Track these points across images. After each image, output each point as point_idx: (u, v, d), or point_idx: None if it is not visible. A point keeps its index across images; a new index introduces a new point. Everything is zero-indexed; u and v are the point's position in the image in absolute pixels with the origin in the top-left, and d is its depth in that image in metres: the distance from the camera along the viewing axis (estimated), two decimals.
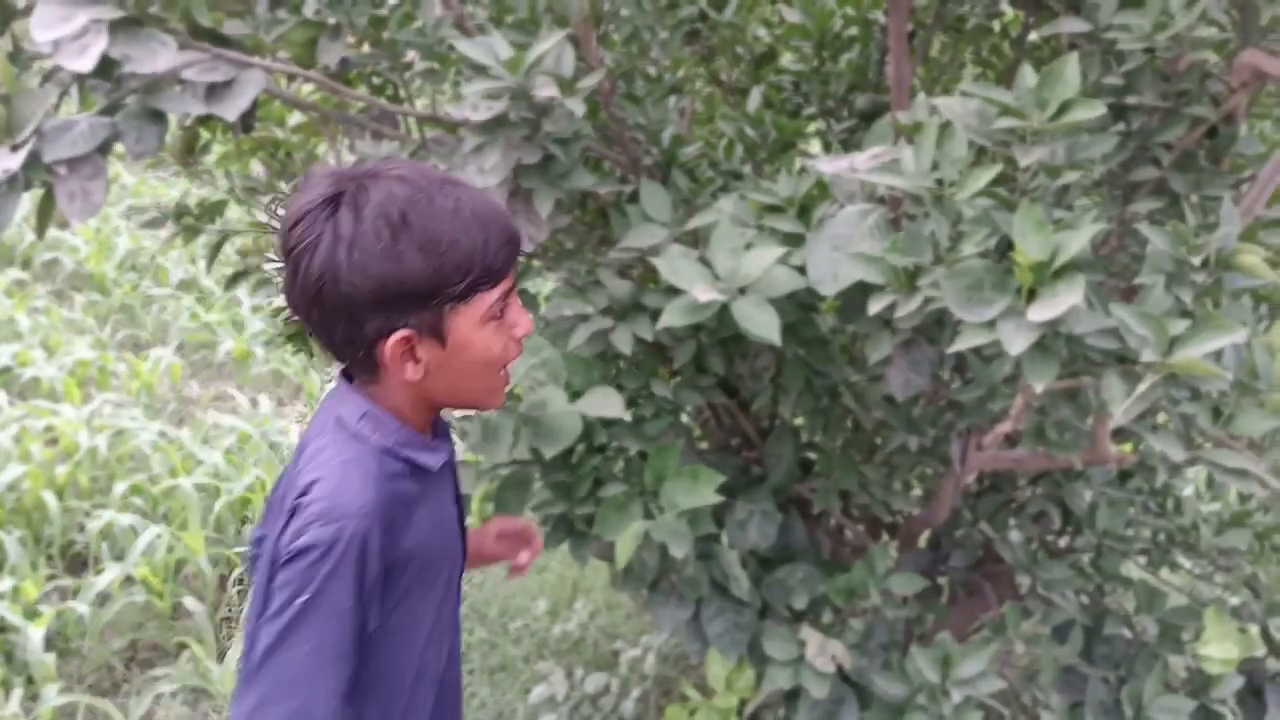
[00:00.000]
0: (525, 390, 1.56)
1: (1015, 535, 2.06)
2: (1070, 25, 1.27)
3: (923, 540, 2.31)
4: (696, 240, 1.75)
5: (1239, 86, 1.32)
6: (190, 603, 3.04)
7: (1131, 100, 1.28)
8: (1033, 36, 2.05)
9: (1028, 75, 1.02)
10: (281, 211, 1.03)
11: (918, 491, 2.32)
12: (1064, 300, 0.92)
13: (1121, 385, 0.95)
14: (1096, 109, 0.97)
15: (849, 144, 2.26)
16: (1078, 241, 0.94)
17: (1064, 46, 1.60)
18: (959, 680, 1.59)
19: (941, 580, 2.27)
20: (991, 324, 0.98)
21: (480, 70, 1.52)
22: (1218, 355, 0.95)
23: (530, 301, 1.84)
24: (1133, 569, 2.34)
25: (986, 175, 1.01)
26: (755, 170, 2.20)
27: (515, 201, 1.62)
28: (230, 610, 3.22)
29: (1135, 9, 1.21)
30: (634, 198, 1.83)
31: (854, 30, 2.25)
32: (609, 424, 1.70)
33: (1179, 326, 0.92)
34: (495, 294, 1.04)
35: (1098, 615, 2.05)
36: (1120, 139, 1.31)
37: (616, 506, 1.60)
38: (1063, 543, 2.26)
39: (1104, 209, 1.28)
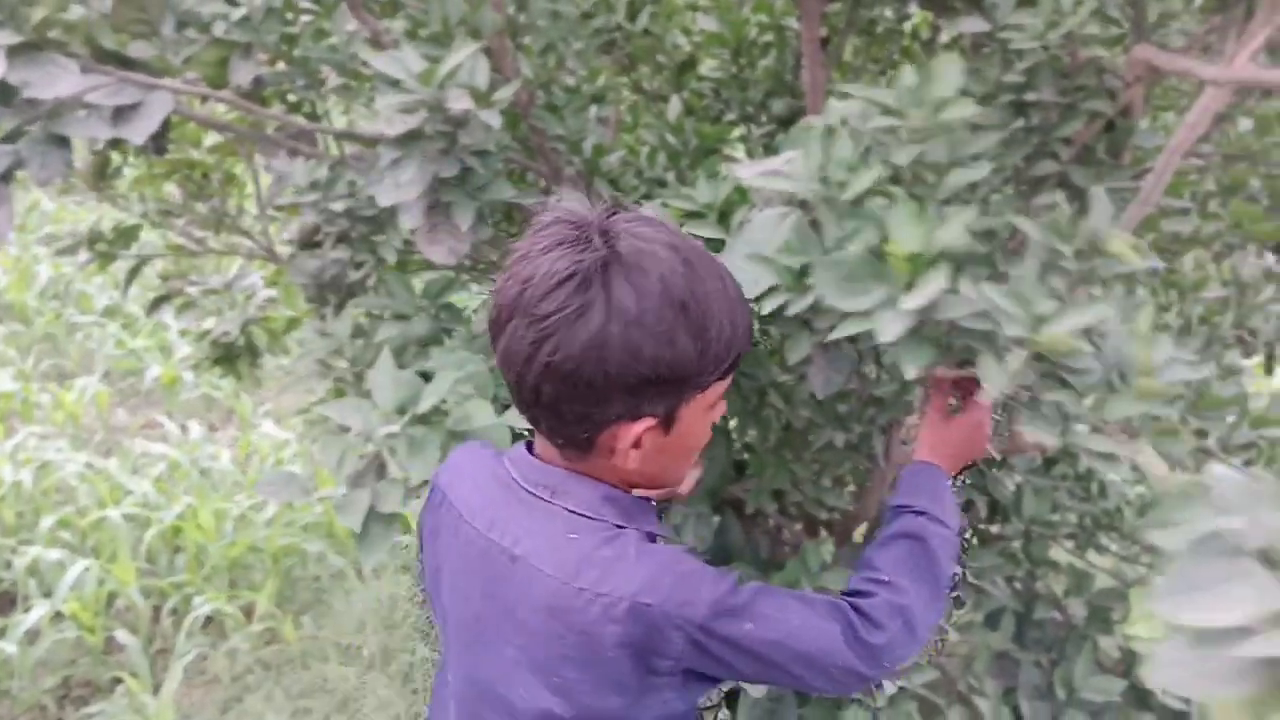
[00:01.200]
0: (452, 405, 1.55)
1: None
2: (969, 25, 1.30)
3: (860, 535, 2.34)
4: None
5: (1133, 81, 1.37)
6: (123, 636, 2.97)
7: (1031, 97, 1.31)
8: (944, 37, 2.09)
9: (907, 75, 1.05)
10: (521, 261, 0.92)
11: (853, 487, 2.35)
12: (934, 287, 0.95)
13: (996, 365, 0.98)
14: (968, 108, 1.00)
15: (770, 148, 2.29)
16: (949, 232, 0.97)
17: (970, 46, 1.64)
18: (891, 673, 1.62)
19: None
20: (869, 313, 1.01)
21: (393, 84, 1.52)
22: (1087, 334, 0.99)
23: (457, 316, 1.83)
24: (1062, 554, 2.40)
25: (870, 175, 1.04)
26: (679, 177, 2.22)
27: (435, 215, 1.61)
28: (165, 642, 3.15)
29: (1030, 8, 1.25)
30: None
31: (770, 37, 2.28)
32: None
33: (1048, 307, 0.96)
34: (729, 380, 1.00)
35: (1029, 600, 2.09)
36: (1021, 134, 1.34)
37: None
38: (995, 530, 2.30)
39: (1009, 204, 1.32)
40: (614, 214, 0.95)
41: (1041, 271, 0.98)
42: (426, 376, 1.60)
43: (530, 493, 1.01)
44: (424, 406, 1.44)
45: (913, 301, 0.97)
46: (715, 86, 2.40)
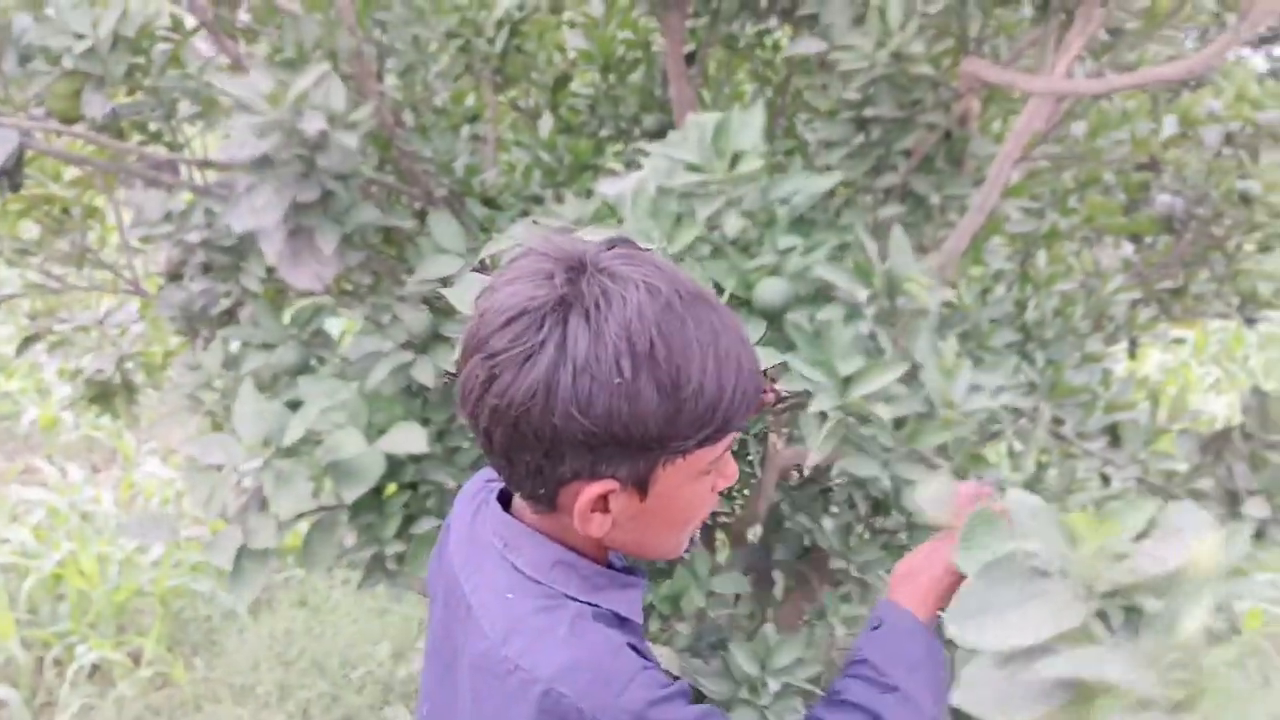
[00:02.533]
0: (324, 434, 1.53)
1: (828, 522, 2.15)
2: (807, 46, 1.34)
3: (753, 535, 2.38)
4: (494, 267, 1.77)
5: (966, 92, 1.44)
6: (3, 691, 2.84)
7: (870, 113, 1.37)
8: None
9: (706, 126, 1.06)
10: (484, 293, 0.82)
11: (746, 491, 2.39)
12: None
13: (815, 423, 1.03)
14: (756, 162, 1.01)
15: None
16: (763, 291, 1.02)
17: (819, 63, 1.69)
18: (775, 670, 1.65)
19: (777, 574, 2.34)
20: None
21: (246, 108, 1.50)
22: (906, 380, 1.04)
23: (328, 342, 1.81)
24: None
25: (691, 234, 1.05)
26: (555, 195, 2.23)
27: (297, 240, 1.59)
28: (49, 695, 3.01)
29: (860, 28, 1.30)
30: None
31: (638, 53, 2.32)
32: (417, 459, 1.69)
33: (852, 365, 0.99)
34: (720, 448, 0.86)
35: None
36: (863, 149, 1.40)
37: (428, 542, 1.59)
38: (877, 524, 2.36)
39: (857, 216, 1.37)
40: (610, 248, 0.83)
41: (846, 317, 1.03)
42: (298, 406, 1.58)
43: (491, 540, 0.93)
44: (290, 439, 1.42)
45: None
46: (590, 103, 2.43)
